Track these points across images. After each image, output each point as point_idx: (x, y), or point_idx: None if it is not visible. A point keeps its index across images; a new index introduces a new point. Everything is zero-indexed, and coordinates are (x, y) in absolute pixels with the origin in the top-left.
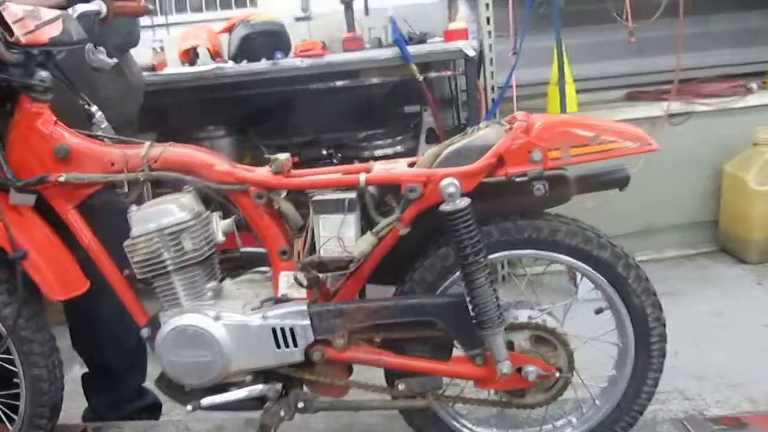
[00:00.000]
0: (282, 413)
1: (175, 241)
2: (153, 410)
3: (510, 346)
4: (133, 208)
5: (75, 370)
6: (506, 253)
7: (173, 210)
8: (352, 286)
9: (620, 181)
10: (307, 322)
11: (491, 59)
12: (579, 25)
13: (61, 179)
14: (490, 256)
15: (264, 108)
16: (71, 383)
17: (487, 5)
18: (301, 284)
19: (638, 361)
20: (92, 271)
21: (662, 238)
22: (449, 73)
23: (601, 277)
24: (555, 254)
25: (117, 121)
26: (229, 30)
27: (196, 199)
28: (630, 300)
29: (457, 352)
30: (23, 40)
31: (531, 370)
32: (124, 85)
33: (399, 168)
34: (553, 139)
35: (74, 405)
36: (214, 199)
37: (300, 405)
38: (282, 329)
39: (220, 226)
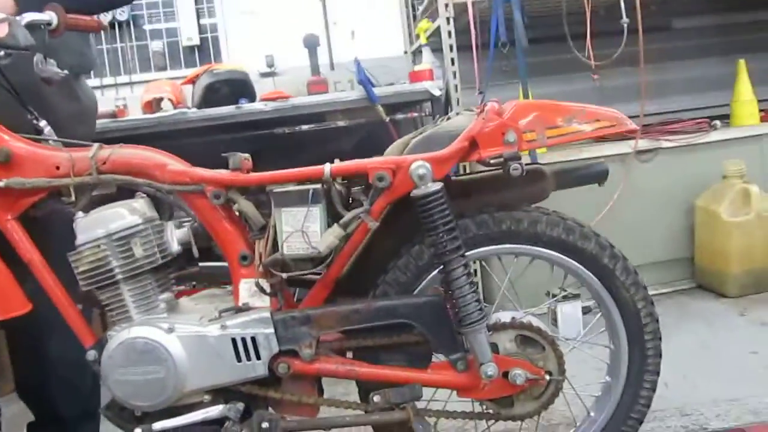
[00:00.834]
0: None
1: (124, 247)
2: None
3: (494, 349)
4: (80, 214)
5: None
6: (485, 249)
7: (123, 214)
8: (319, 291)
9: (598, 176)
10: (271, 330)
11: (458, 99)
12: (545, 75)
13: (1, 184)
14: (468, 253)
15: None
16: None
17: (451, 46)
18: (263, 291)
19: (633, 363)
20: (41, 303)
21: None
22: (415, 114)
23: (586, 270)
24: (536, 248)
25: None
26: (193, 81)
27: (149, 206)
28: (619, 294)
29: (438, 362)
30: None
31: (518, 374)
32: (76, 108)
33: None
34: (528, 121)
35: None
36: (167, 210)
37: (264, 426)
38: (243, 339)
39: (175, 235)
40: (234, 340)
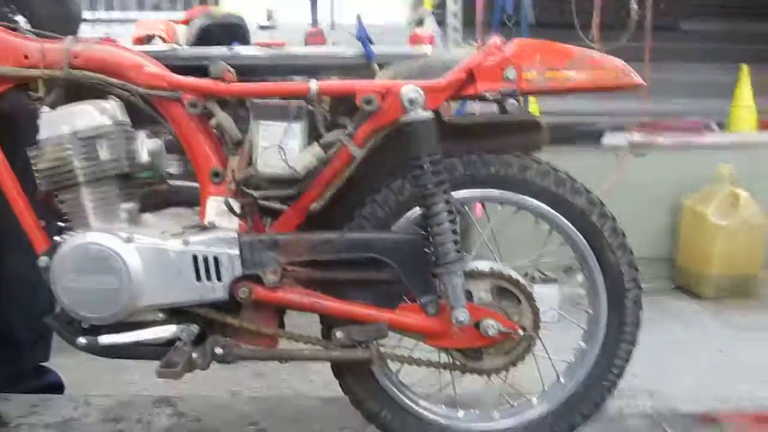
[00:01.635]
0: (195, 356)
1: (89, 148)
2: (52, 392)
3: (469, 297)
4: (46, 109)
5: None
6: (469, 191)
7: (92, 113)
8: (291, 216)
9: (593, 135)
10: (236, 252)
11: None
12: None
13: None
14: (453, 194)
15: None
16: None
17: (456, 14)
18: (232, 211)
19: (610, 330)
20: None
21: None
22: None
23: (572, 227)
24: (523, 196)
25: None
26: (187, 22)
27: (121, 109)
28: (605, 256)
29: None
30: None
31: (491, 325)
32: (60, 12)
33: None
34: (530, 59)
35: None
36: (142, 120)
37: (218, 351)
38: (205, 258)
39: (145, 144)
40: (195, 258)
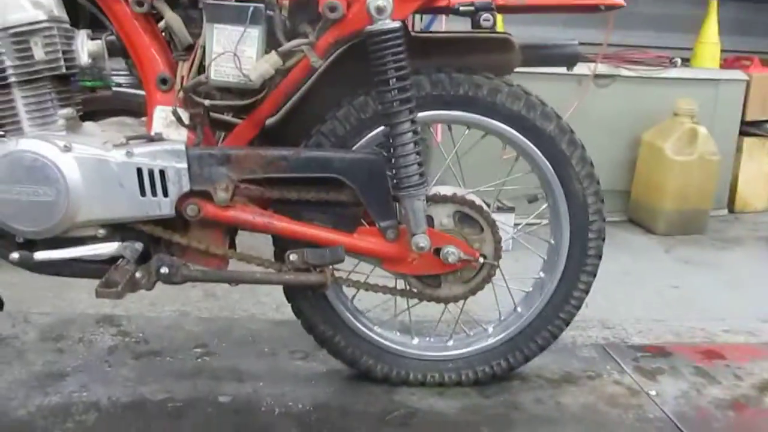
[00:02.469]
0: (139, 276)
1: (22, 45)
2: None
3: (430, 222)
4: None
5: None
6: (436, 113)
7: (24, 5)
8: (245, 130)
9: (568, 58)
10: (184, 165)
11: None
12: None
13: None
14: (418, 115)
15: None
16: None
17: None
18: (180, 121)
19: (571, 260)
20: None
21: None
22: None
23: (540, 154)
24: (491, 120)
25: None
26: None
27: (59, 4)
28: (570, 185)
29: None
30: None
31: (451, 252)
32: None
33: None
34: None
35: None
36: (84, 19)
37: (163, 270)
38: (150, 171)
39: (86, 45)
40: (140, 171)
